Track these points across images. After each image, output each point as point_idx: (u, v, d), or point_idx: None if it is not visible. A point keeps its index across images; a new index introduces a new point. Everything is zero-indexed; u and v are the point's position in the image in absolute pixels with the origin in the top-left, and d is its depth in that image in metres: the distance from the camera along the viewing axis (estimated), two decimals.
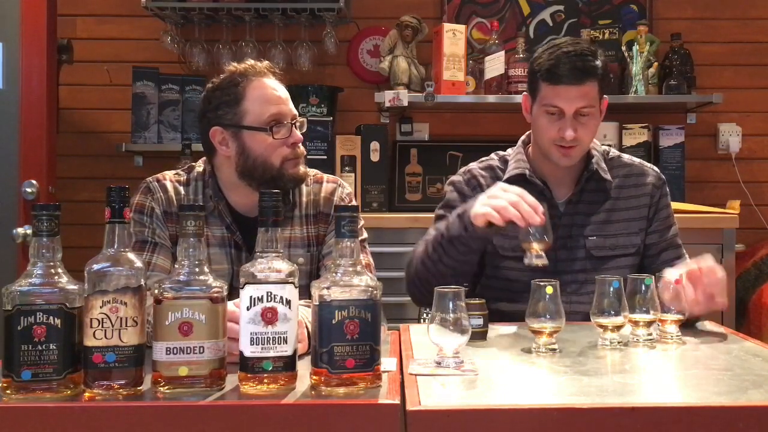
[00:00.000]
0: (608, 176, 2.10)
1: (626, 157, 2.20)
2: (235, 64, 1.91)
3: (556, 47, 2.02)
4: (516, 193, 1.80)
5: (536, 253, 1.78)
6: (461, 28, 3.58)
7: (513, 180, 2.07)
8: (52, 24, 2.81)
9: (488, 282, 2.11)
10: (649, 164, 2.20)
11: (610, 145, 2.30)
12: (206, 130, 1.88)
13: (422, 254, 2.00)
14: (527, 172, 2.09)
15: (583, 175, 2.09)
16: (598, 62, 2.01)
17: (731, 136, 3.80)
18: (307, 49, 3.66)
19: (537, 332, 1.58)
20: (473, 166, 2.19)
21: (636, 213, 2.10)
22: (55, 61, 2.93)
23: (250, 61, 1.91)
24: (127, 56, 3.77)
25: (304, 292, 1.41)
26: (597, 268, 2.03)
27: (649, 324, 1.68)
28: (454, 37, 3.53)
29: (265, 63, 1.92)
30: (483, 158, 2.22)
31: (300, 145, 1.89)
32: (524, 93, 2.13)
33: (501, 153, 2.20)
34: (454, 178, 2.19)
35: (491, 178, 2.12)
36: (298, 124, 1.89)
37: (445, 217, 2.03)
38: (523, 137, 2.19)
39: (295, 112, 1.90)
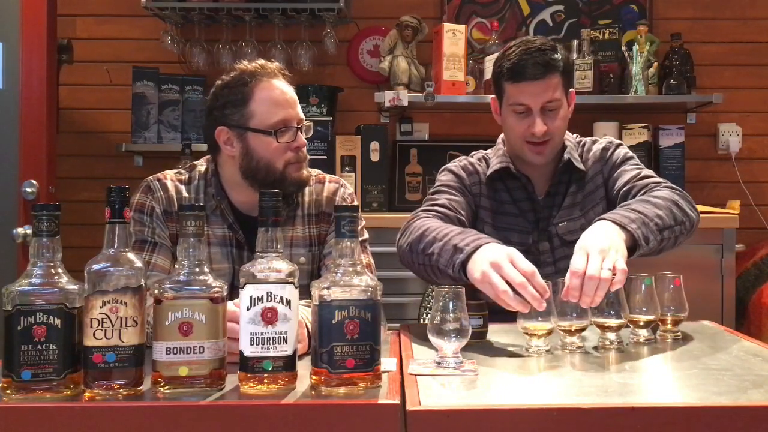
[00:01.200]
0: (581, 165, 2.11)
1: (589, 140, 2.20)
2: (246, 62, 1.90)
3: (515, 47, 2.03)
4: (524, 270, 1.56)
5: (539, 339, 1.57)
6: (461, 28, 3.58)
7: (497, 174, 2.10)
8: (52, 24, 2.81)
9: None
10: (607, 139, 2.19)
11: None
12: (212, 128, 1.87)
13: (414, 246, 1.88)
14: (511, 166, 2.10)
15: (558, 169, 2.10)
16: (558, 55, 2.01)
17: (731, 136, 3.81)
18: (307, 49, 3.67)
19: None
20: (453, 163, 2.18)
21: (593, 185, 2.11)
22: (55, 61, 2.93)
23: (261, 61, 1.90)
24: (127, 56, 3.77)
25: (306, 292, 1.41)
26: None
27: (649, 324, 1.69)
28: (454, 37, 3.53)
29: (276, 64, 1.91)
30: (461, 157, 2.21)
31: (304, 149, 1.89)
32: (492, 97, 2.14)
33: (477, 153, 2.21)
34: (448, 165, 2.18)
35: (487, 166, 2.14)
36: (303, 127, 1.89)
37: (440, 193, 2.05)
38: (502, 135, 2.21)
39: (302, 115, 1.89)
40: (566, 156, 2.10)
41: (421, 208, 2.05)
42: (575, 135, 2.22)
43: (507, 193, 2.13)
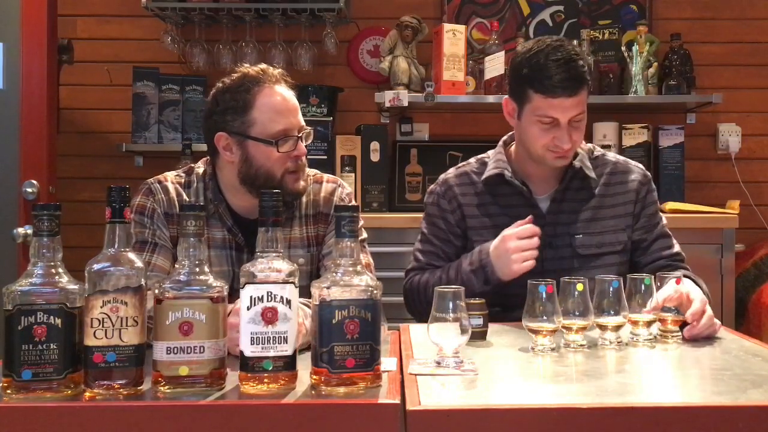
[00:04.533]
0: (593, 174, 2.09)
1: (611, 155, 2.20)
2: (247, 66, 1.88)
3: (541, 52, 1.95)
4: (527, 231, 1.91)
5: (544, 337, 1.60)
6: (461, 28, 3.58)
7: (491, 180, 2.09)
8: (53, 24, 2.81)
9: None
10: (634, 162, 2.19)
11: (608, 146, 2.30)
12: (211, 133, 1.86)
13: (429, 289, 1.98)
14: (506, 172, 2.08)
15: (567, 174, 2.07)
16: (586, 66, 1.97)
17: (731, 136, 3.81)
18: (307, 50, 3.67)
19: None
20: (450, 173, 2.18)
21: (622, 210, 2.10)
22: (56, 62, 2.93)
23: (263, 66, 1.88)
24: (128, 56, 3.78)
25: (305, 293, 1.41)
26: (584, 267, 2.03)
27: (649, 324, 1.69)
28: (454, 37, 3.53)
29: (279, 70, 1.88)
30: (461, 163, 2.21)
31: (304, 157, 1.87)
32: (506, 97, 2.07)
33: (480, 156, 2.19)
34: (435, 187, 2.18)
35: (466, 185, 2.13)
36: (304, 135, 1.87)
37: (431, 239, 2.13)
38: (504, 137, 2.18)
39: (303, 123, 1.88)
40: (578, 164, 2.07)
41: (410, 267, 2.16)
42: (596, 144, 2.23)
43: (501, 199, 2.10)
